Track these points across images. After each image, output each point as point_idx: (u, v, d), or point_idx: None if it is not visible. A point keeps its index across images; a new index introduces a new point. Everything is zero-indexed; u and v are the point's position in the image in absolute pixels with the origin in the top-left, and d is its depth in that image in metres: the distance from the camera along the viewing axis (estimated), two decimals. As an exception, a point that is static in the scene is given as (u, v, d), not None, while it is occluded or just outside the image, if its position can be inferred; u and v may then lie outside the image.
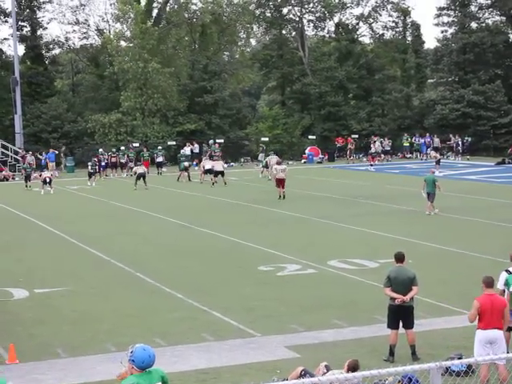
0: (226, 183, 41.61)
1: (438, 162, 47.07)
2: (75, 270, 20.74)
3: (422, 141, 59.47)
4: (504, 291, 12.86)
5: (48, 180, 40.24)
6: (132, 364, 7.60)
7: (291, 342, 14.18)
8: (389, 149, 58.99)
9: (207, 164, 44.21)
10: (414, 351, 13.15)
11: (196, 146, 56.09)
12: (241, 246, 24.08)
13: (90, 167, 45.36)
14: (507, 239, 23.48)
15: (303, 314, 15.96)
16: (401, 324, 13.25)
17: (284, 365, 12.84)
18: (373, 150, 54.78)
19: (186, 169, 45.56)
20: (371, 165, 50.92)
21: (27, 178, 43.78)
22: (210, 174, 42.76)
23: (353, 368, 10.69)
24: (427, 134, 60.35)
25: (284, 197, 35.11)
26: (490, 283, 11.67)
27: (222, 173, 41.91)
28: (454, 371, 11.94)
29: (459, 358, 11.44)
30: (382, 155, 58.56)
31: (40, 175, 42.32)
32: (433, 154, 50.28)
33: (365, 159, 58.95)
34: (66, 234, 26.80)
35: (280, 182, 35.32)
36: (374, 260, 20.85)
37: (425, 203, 29.56)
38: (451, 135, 58.46)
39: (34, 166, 48.46)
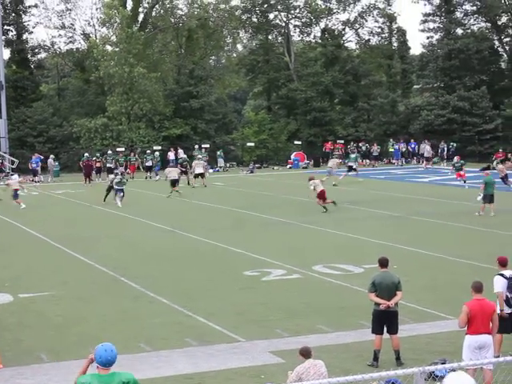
0: (171, 192, 39.31)
1: (505, 177, 39.69)
2: (60, 275, 20.65)
3: (396, 147, 59.72)
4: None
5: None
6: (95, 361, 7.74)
7: (276, 347, 14.16)
8: (377, 154, 59.01)
9: (197, 168, 44.82)
10: (398, 356, 13.18)
11: (180, 151, 55.70)
12: (226, 251, 24.04)
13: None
14: (490, 244, 23.59)
15: (288, 318, 15.95)
16: (385, 329, 13.28)
17: (268, 370, 12.83)
18: (427, 154, 54.93)
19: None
20: (427, 168, 49.03)
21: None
22: (202, 178, 44.49)
23: (305, 353, 10.55)
24: (412, 140, 60.59)
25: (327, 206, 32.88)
26: (478, 288, 11.64)
27: (176, 181, 40.26)
28: (437, 376, 11.93)
29: (443, 363, 11.47)
30: (368, 161, 58.68)
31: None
32: (500, 167, 41.80)
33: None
34: (51, 238, 26.68)
35: (323, 194, 32.94)
36: (359, 265, 20.88)
37: (410, 208, 29.52)
38: (424, 142, 58.54)
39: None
